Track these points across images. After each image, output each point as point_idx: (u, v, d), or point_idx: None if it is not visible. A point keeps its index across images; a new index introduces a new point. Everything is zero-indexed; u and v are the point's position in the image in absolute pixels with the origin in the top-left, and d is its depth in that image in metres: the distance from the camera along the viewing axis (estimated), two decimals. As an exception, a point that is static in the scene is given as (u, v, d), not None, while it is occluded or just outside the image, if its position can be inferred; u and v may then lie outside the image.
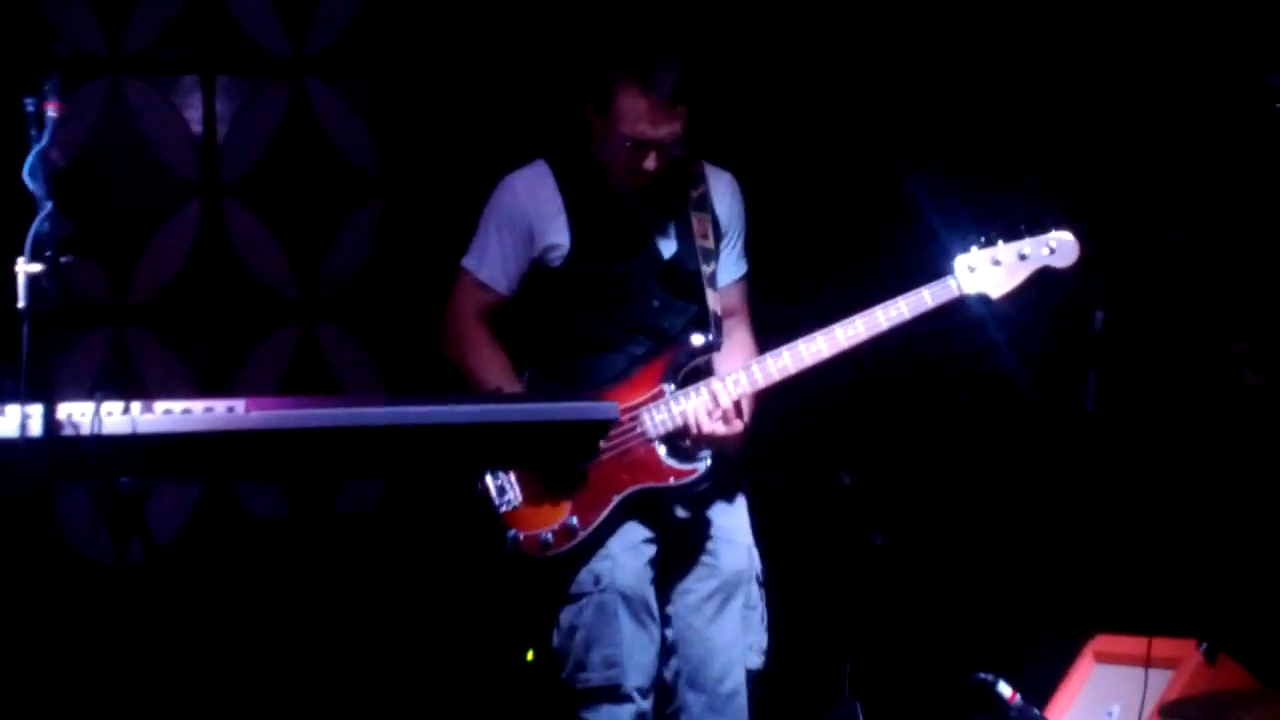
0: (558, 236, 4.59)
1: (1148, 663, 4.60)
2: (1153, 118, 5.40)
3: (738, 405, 4.50)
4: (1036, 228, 4.54)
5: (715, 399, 4.48)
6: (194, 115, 5.96)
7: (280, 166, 6.02)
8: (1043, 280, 4.54)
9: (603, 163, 4.59)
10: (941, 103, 5.76)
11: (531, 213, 4.60)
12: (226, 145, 5.98)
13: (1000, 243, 4.54)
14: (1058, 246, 4.54)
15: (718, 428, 4.48)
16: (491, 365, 4.62)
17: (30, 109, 3.18)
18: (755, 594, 4.66)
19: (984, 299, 4.53)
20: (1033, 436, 5.63)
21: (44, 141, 3.15)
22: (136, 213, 5.86)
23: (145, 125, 5.88)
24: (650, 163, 4.52)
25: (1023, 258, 4.53)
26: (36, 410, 3.01)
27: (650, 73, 4.46)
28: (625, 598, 4.49)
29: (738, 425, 4.50)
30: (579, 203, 4.60)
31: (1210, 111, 5.26)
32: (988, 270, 4.52)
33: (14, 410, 3.03)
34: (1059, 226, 4.54)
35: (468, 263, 4.67)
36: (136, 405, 3.11)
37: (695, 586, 4.63)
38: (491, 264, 4.63)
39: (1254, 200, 5.20)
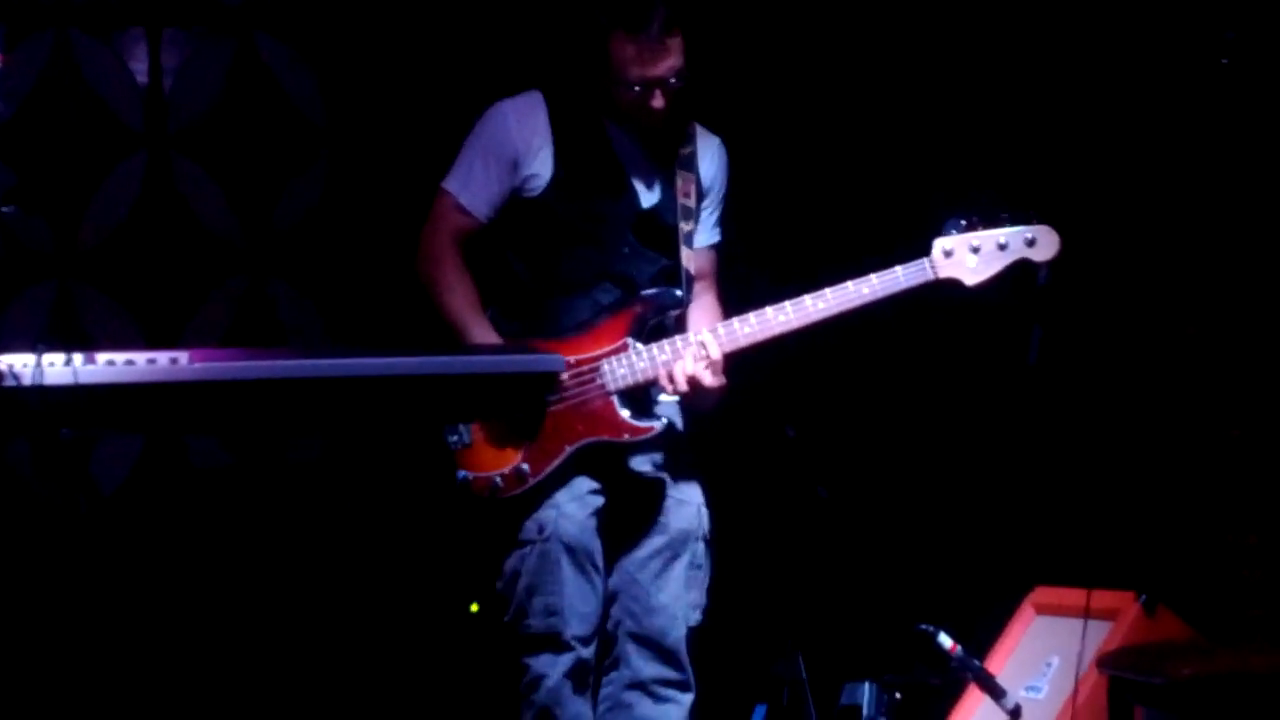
0: (540, 167, 4.56)
1: (1087, 614, 4.63)
2: (1102, 77, 5.43)
3: (723, 360, 4.50)
4: (1020, 215, 4.49)
5: (705, 349, 4.46)
6: (139, 66, 5.94)
7: (228, 118, 6.00)
8: (1019, 272, 4.51)
9: (608, 103, 4.57)
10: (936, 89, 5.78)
11: (518, 141, 4.57)
12: (173, 97, 5.95)
13: (980, 228, 4.48)
14: (1037, 238, 4.47)
15: (705, 376, 4.46)
16: (460, 295, 4.58)
17: (-27, 60, 3.16)
18: (702, 553, 4.66)
19: (957, 284, 4.51)
20: (977, 389, 5.66)
21: (-13, 92, 3.14)
22: (82, 164, 5.82)
23: (91, 76, 5.85)
24: (657, 101, 4.50)
25: (1001, 247, 4.46)
26: (-22, 361, 3.01)
27: (636, 15, 4.46)
28: (568, 547, 4.50)
29: (721, 380, 4.49)
30: (567, 138, 4.58)
31: (1159, 69, 5.29)
32: (965, 256, 4.46)
33: (-45, 361, 3.02)
34: (1040, 219, 4.48)
35: (450, 185, 4.63)
36: (79, 356, 3.10)
37: (643, 542, 4.63)
38: (474, 189, 4.60)
39: (1201, 155, 5.23)
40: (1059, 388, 5.26)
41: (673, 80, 4.50)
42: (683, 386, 4.47)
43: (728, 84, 5.52)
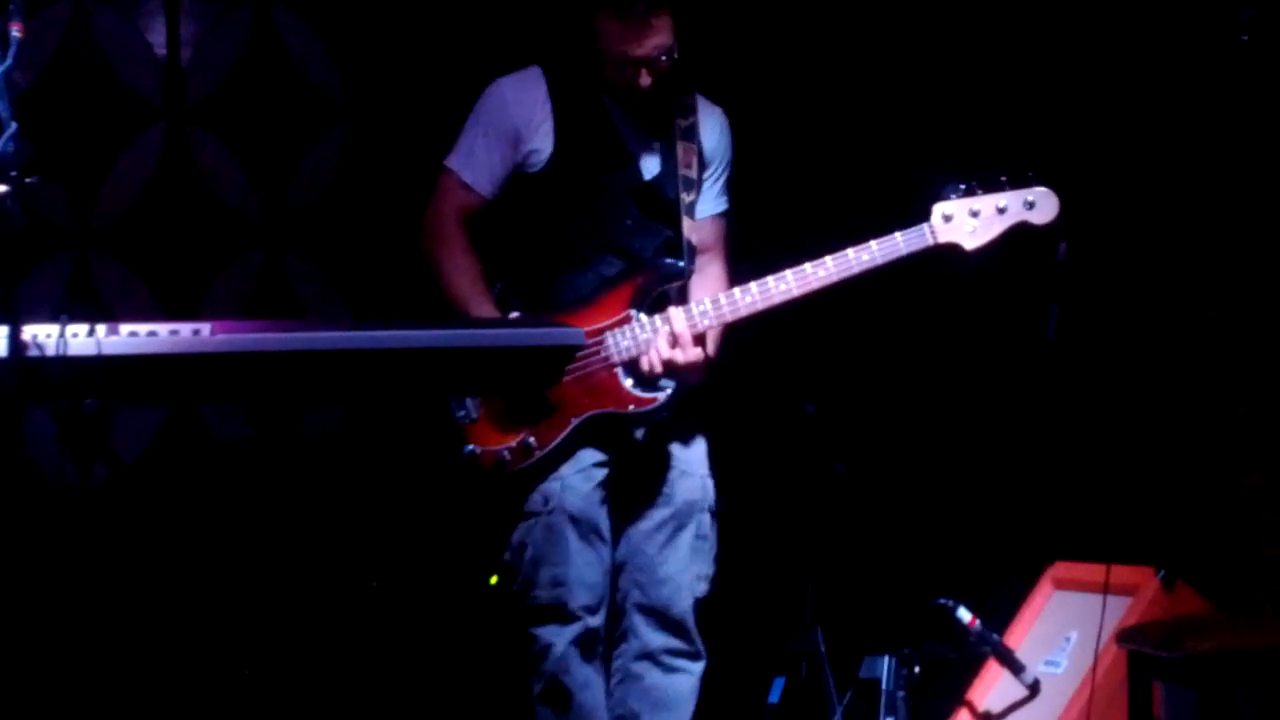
0: (540, 142, 4.58)
1: (1106, 590, 4.63)
2: (1119, 53, 5.41)
3: (699, 336, 4.50)
4: (1019, 180, 4.49)
5: (670, 324, 4.48)
6: (158, 39, 5.93)
7: (245, 91, 6.00)
8: (1019, 235, 4.51)
9: (601, 82, 4.58)
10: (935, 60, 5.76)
11: (518, 116, 4.59)
12: (190, 69, 5.94)
13: (980, 193, 4.48)
14: (1036, 201, 4.47)
15: (675, 355, 4.48)
16: (464, 270, 4.60)
17: (-7, 29, 3.16)
18: (707, 524, 4.67)
19: (957, 249, 4.51)
20: (995, 365, 5.65)
21: (8, 62, 3.13)
22: (100, 136, 5.82)
23: (109, 48, 5.85)
24: (643, 80, 4.51)
25: (1000, 211, 4.47)
26: (1, 331, 3.00)
27: None
28: (573, 519, 4.51)
29: (694, 354, 4.49)
30: (567, 112, 4.59)
31: (1177, 45, 5.27)
32: (964, 220, 4.47)
33: (-22, 331, 3.02)
34: (1039, 181, 4.50)
35: (452, 162, 4.65)
36: (102, 327, 3.10)
37: (648, 514, 4.64)
38: (476, 166, 4.62)
39: (1221, 133, 5.21)
40: (1077, 364, 5.25)
41: (661, 59, 4.51)
42: (657, 368, 4.47)
43: (727, 55, 5.51)
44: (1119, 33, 5.42)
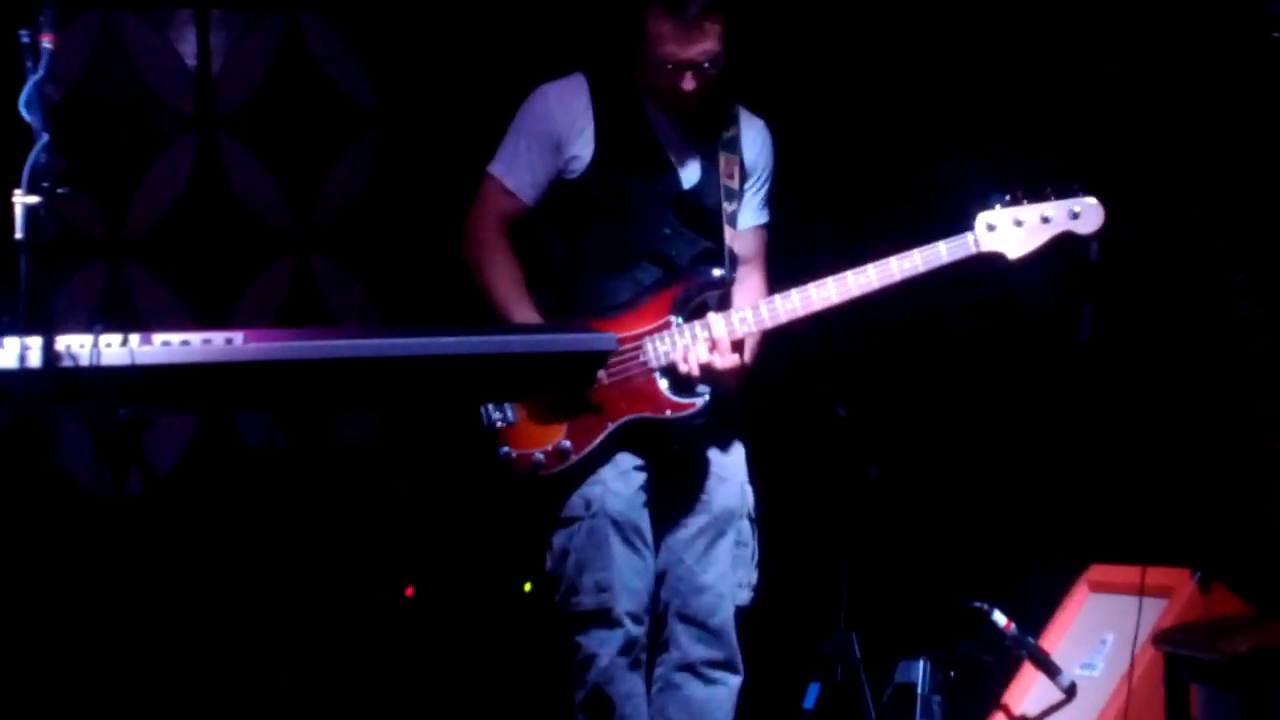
0: (581, 148, 4.57)
1: (1142, 592, 4.62)
2: (1149, 52, 5.40)
3: (737, 342, 4.49)
4: (1063, 190, 4.48)
5: (709, 330, 4.48)
6: (188, 49, 5.95)
7: (275, 100, 6.01)
8: (1063, 245, 4.50)
9: (644, 89, 4.58)
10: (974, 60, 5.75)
11: (561, 123, 4.58)
12: (221, 79, 5.96)
13: (1025, 202, 4.46)
14: (1082, 211, 4.44)
15: (713, 360, 4.47)
16: (505, 277, 4.59)
17: (25, 40, 3.17)
18: (747, 531, 4.65)
19: (1000, 259, 4.49)
20: (1028, 366, 5.64)
21: (39, 73, 3.14)
22: (131, 147, 5.85)
23: (139, 59, 5.87)
24: (688, 83, 4.49)
25: (1045, 220, 4.45)
26: (35, 342, 3.01)
27: None
28: (616, 523, 4.49)
29: (731, 361, 4.48)
30: (608, 119, 4.58)
31: (1207, 45, 5.26)
32: (1009, 230, 4.46)
33: (13, 342, 3.03)
34: (1085, 192, 4.48)
35: (495, 169, 4.64)
36: (135, 337, 3.11)
37: (687, 521, 4.63)
38: (519, 172, 4.61)
39: (1250, 131, 5.19)
40: (1110, 364, 5.23)
41: (706, 65, 4.49)
42: (694, 372, 4.47)
43: (769, 65, 5.51)
44: (1149, 31, 5.41)
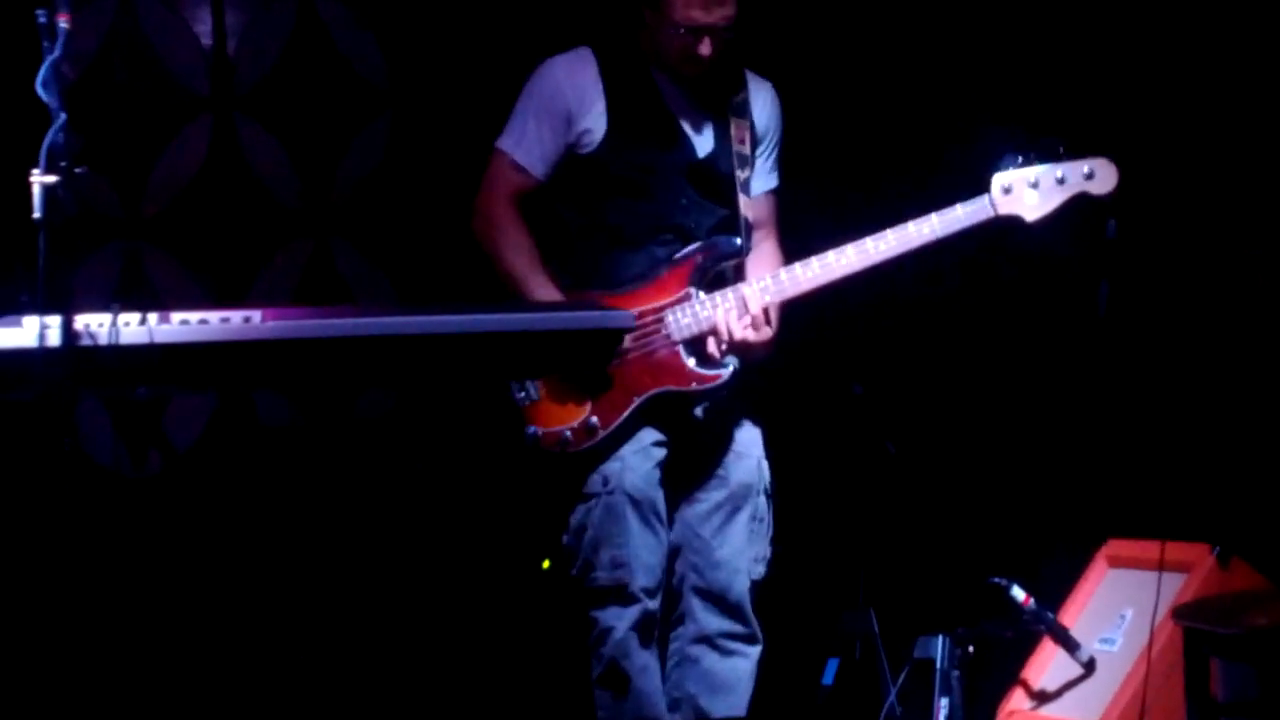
0: (593, 123, 4.57)
1: (1161, 567, 4.62)
2: (1171, 24, 5.38)
3: (766, 312, 4.50)
4: (1076, 151, 4.49)
5: (745, 304, 4.48)
6: (204, 29, 5.94)
7: (291, 79, 6.01)
8: (1079, 205, 4.50)
9: (655, 54, 4.57)
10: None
11: (570, 97, 4.58)
12: (237, 58, 5.96)
13: (1038, 164, 4.48)
14: (1095, 172, 4.48)
15: (748, 334, 4.48)
16: (520, 251, 4.60)
17: (43, 20, 3.17)
18: (763, 506, 4.68)
19: (1018, 221, 4.49)
20: (1046, 343, 5.63)
21: (56, 53, 3.15)
22: (147, 127, 5.84)
23: (155, 39, 5.86)
24: (705, 48, 4.50)
25: (1060, 182, 4.48)
26: (55, 320, 3.02)
27: None
28: (633, 500, 4.50)
29: (767, 332, 4.51)
30: (618, 92, 4.58)
31: (1229, 19, 5.24)
32: (1024, 192, 4.47)
33: (32, 321, 3.04)
34: (1098, 152, 4.49)
35: (504, 144, 4.64)
36: (153, 315, 3.13)
37: (704, 496, 4.65)
38: (529, 147, 4.61)
39: (1265, 106, 5.18)
40: (1129, 340, 5.22)
41: (726, 30, 4.49)
42: (730, 347, 4.47)
43: (777, 29, 5.49)
44: (1166, 8, 5.40)
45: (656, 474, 4.55)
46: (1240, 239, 5.24)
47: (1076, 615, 4.96)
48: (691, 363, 4.53)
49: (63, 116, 3.10)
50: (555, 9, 5.68)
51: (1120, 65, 5.46)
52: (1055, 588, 5.01)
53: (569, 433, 4.50)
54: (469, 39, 5.96)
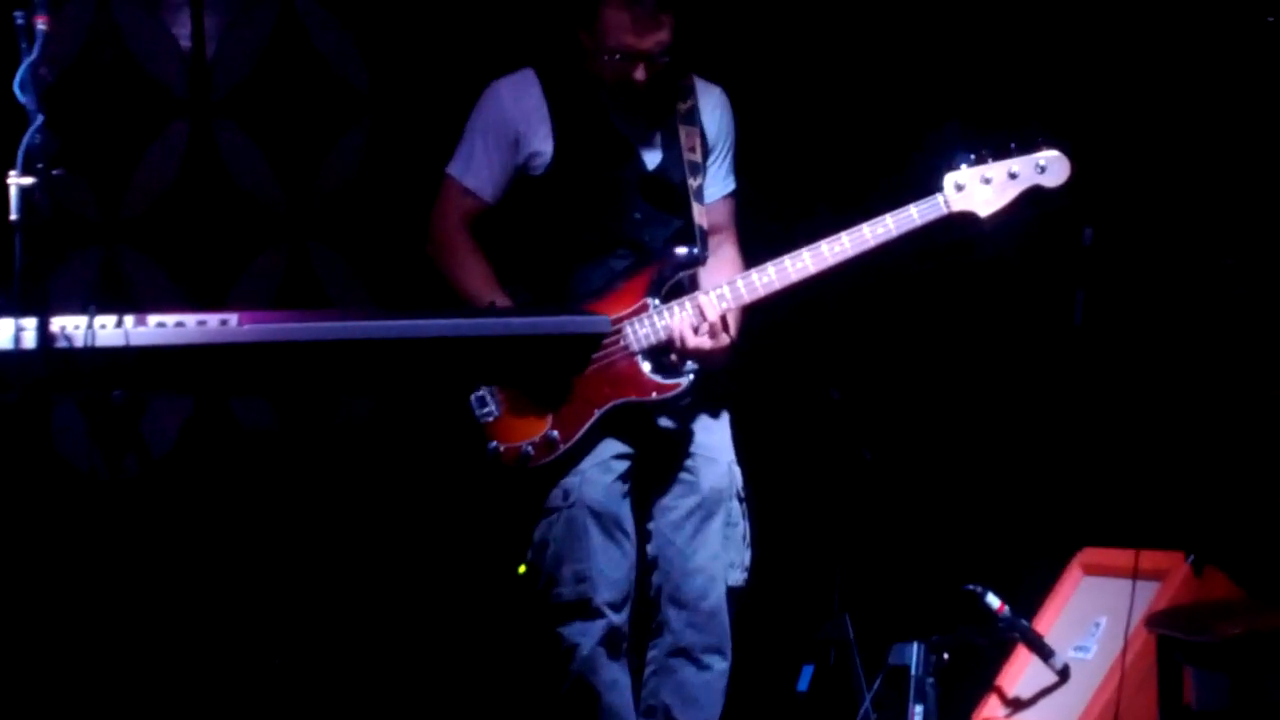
0: (541, 144, 4.60)
1: (1135, 575, 4.64)
2: (1143, 35, 5.39)
3: (724, 320, 4.51)
4: (1027, 145, 4.53)
5: (701, 313, 4.49)
6: (183, 32, 5.93)
7: (270, 83, 6.00)
8: (1032, 199, 4.54)
9: (594, 78, 4.60)
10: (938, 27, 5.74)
11: (517, 119, 4.61)
12: (215, 62, 5.95)
13: (990, 160, 4.53)
14: (1048, 164, 4.53)
15: (703, 342, 4.49)
16: (475, 273, 4.63)
17: (20, 22, 3.17)
18: (736, 511, 4.67)
19: (972, 217, 4.52)
20: (1022, 350, 5.64)
21: (33, 55, 3.15)
22: (125, 129, 5.83)
23: (134, 41, 5.85)
24: (639, 74, 4.52)
25: (1013, 176, 4.52)
26: (30, 323, 3.02)
27: None
28: (594, 513, 4.51)
29: (723, 340, 4.51)
30: (564, 111, 4.60)
31: (1202, 28, 5.25)
32: (977, 188, 4.51)
33: (7, 323, 3.04)
34: (1049, 145, 4.53)
35: (453, 169, 4.68)
36: (130, 318, 3.12)
37: (675, 504, 4.64)
38: (477, 171, 4.64)
39: (1242, 114, 5.19)
40: (1104, 349, 5.24)
41: (661, 56, 4.52)
42: (687, 356, 4.48)
43: (724, 34, 5.51)
44: (1144, 14, 5.41)
45: (619, 486, 4.56)
46: (1215, 248, 5.26)
47: (1051, 623, 4.97)
48: (651, 373, 4.54)
49: (40, 118, 3.10)
50: (533, 17, 5.69)
51: (1094, 73, 5.48)
52: (1030, 595, 5.02)
53: (530, 448, 4.50)
54: (450, 44, 5.95)
